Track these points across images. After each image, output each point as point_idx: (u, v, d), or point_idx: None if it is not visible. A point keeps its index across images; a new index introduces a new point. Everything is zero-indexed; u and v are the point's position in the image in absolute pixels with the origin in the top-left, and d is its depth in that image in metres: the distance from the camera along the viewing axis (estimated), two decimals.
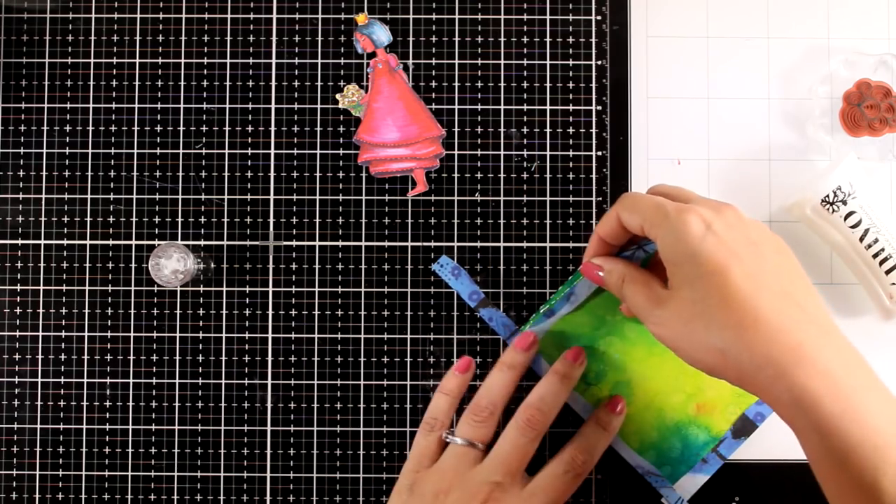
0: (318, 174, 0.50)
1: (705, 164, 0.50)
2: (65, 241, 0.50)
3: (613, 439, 0.47)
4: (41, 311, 0.49)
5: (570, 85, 0.50)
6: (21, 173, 0.50)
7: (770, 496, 0.49)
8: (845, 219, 0.46)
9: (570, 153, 0.50)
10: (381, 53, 0.50)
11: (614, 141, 0.50)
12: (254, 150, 0.50)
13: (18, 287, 0.49)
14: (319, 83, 0.50)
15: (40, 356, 0.49)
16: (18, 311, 0.49)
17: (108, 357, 0.49)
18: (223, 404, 0.49)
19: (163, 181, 0.50)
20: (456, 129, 0.50)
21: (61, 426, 0.49)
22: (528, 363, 0.47)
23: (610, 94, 0.50)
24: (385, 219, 0.50)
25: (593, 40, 0.50)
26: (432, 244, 0.50)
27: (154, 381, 0.49)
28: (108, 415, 0.49)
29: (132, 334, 0.49)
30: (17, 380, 0.49)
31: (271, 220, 0.50)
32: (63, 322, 0.49)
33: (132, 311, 0.49)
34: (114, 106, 0.50)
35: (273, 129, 0.50)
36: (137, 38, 0.50)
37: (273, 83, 0.50)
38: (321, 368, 0.49)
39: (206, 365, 0.49)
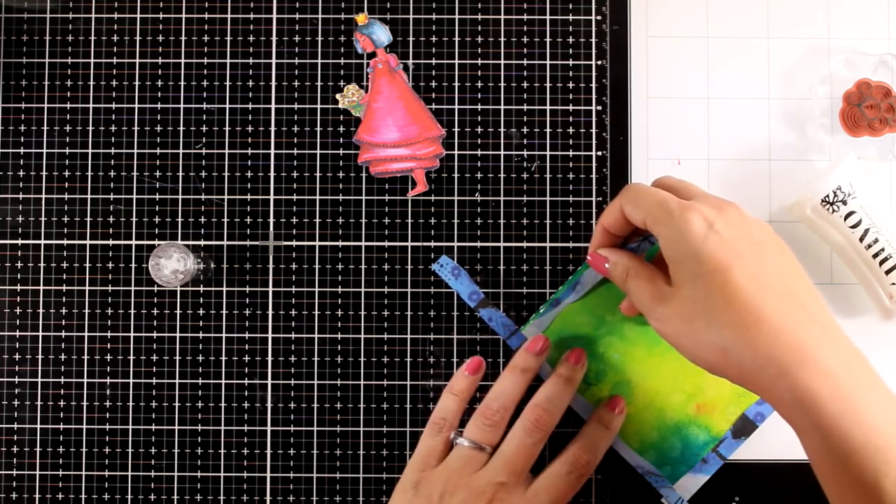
0: (318, 174, 0.50)
1: (705, 164, 0.50)
2: (65, 241, 0.50)
3: (613, 439, 0.47)
4: (41, 311, 0.49)
5: (570, 85, 0.50)
6: (21, 173, 0.50)
7: (770, 496, 0.49)
8: (845, 219, 0.46)
9: (570, 153, 0.50)
10: (381, 53, 0.50)
11: (614, 141, 0.50)
12: (254, 150, 0.50)
13: (18, 287, 0.49)
14: (319, 83, 0.50)
15: (40, 356, 0.49)
16: (18, 311, 0.49)
17: (108, 357, 0.49)
18: (223, 404, 0.49)
19: (163, 181, 0.50)
20: (456, 129, 0.50)
21: (61, 426, 0.49)
22: (539, 367, 0.47)
23: (610, 94, 0.50)
24: (385, 219, 0.50)
25: (593, 40, 0.50)
26: (432, 244, 0.50)
27: (154, 381, 0.49)
28: (108, 415, 0.49)
29: (132, 334, 0.49)
30: (17, 380, 0.49)
31: (271, 220, 0.50)
32: (63, 322, 0.49)
33: (132, 311, 0.49)
34: (114, 106, 0.50)
35: (273, 129, 0.50)
36: (137, 38, 0.50)
37: (273, 83, 0.50)
38: (321, 368, 0.49)
39: (206, 365, 0.49)
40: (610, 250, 0.43)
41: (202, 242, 0.50)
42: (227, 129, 0.50)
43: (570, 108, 0.50)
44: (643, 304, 0.40)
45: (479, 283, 0.49)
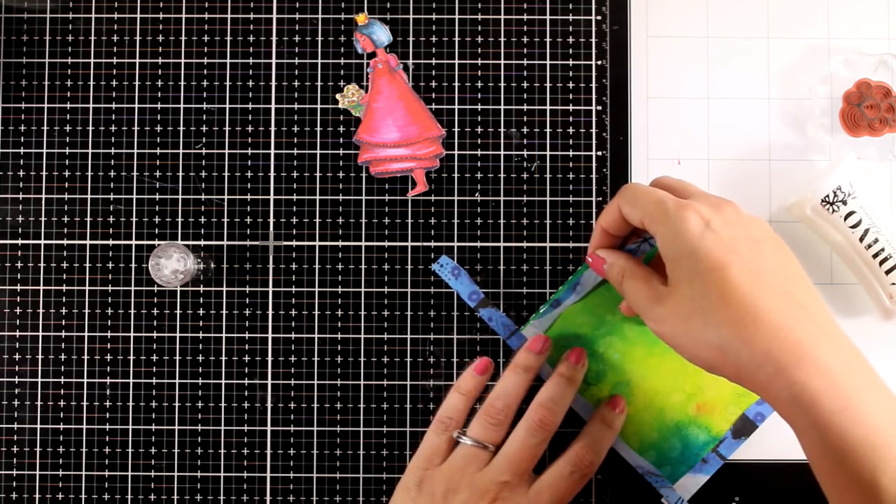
0: (318, 174, 0.50)
1: (705, 164, 0.50)
2: (65, 241, 0.50)
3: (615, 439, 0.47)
4: (41, 311, 0.49)
5: (570, 85, 0.50)
6: (21, 173, 0.50)
7: (770, 496, 0.49)
8: (845, 219, 0.46)
9: (570, 153, 0.50)
10: (381, 53, 0.50)
11: (614, 141, 0.50)
12: (254, 150, 0.50)
13: (18, 287, 0.49)
14: (319, 83, 0.50)
15: (40, 356, 0.49)
16: (18, 311, 0.49)
17: (108, 357, 0.49)
18: (223, 404, 0.49)
19: (163, 181, 0.50)
20: (456, 129, 0.50)
21: (61, 426, 0.49)
22: (540, 366, 0.47)
23: (610, 94, 0.50)
24: (385, 219, 0.50)
25: (593, 40, 0.50)
26: (432, 244, 0.50)
27: (154, 381, 0.49)
28: (108, 415, 0.49)
29: (132, 334, 0.49)
30: (17, 380, 0.49)
31: (271, 220, 0.50)
32: (63, 322, 0.49)
33: (132, 311, 0.49)
34: (114, 106, 0.50)
35: (273, 129, 0.50)
36: (137, 38, 0.50)
37: (273, 83, 0.50)
38: (321, 368, 0.49)
39: (206, 365, 0.49)
40: (607, 251, 0.43)
41: (202, 242, 0.50)
42: (227, 129, 0.50)
43: (570, 108, 0.50)
44: (639, 305, 0.40)
45: (479, 283, 0.49)
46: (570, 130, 0.50)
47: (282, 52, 0.50)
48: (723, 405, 0.48)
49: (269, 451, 0.49)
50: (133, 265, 0.50)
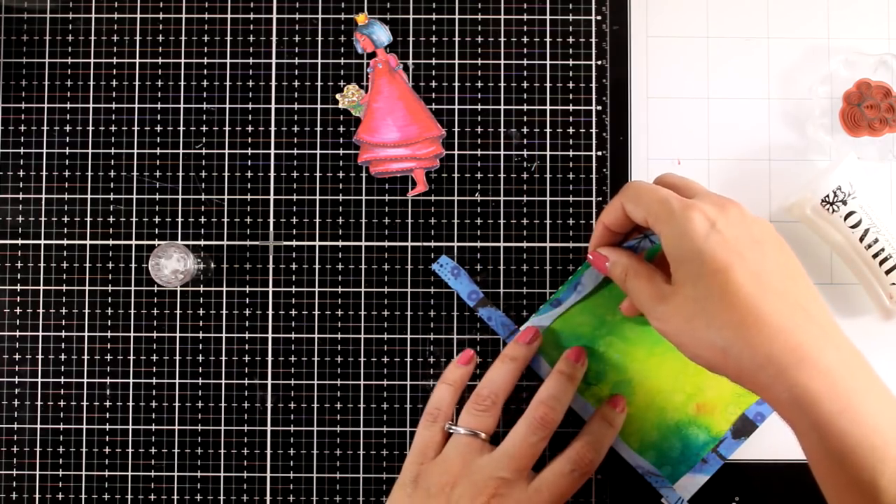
0: (318, 174, 0.50)
1: (705, 164, 0.50)
2: (65, 241, 0.50)
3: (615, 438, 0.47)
4: (41, 311, 0.49)
5: (570, 85, 0.50)
6: (21, 173, 0.50)
7: (770, 496, 0.49)
8: (845, 219, 0.46)
9: (570, 153, 0.50)
10: (381, 53, 0.50)
11: (614, 141, 0.50)
12: (254, 150, 0.50)
13: (18, 287, 0.49)
14: (319, 83, 0.50)
15: (40, 356, 0.49)
16: (18, 311, 0.49)
17: (108, 357, 0.49)
18: (223, 404, 0.49)
19: (163, 181, 0.50)
20: (456, 129, 0.50)
21: (61, 426, 0.49)
22: (529, 357, 0.47)
23: (610, 94, 0.50)
24: (385, 219, 0.50)
25: (593, 40, 0.50)
26: (432, 244, 0.50)
27: (154, 381, 0.49)
28: (108, 415, 0.49)
29: (132, 334, 0.49)
30: (17, 380, 0.49)
31: (271, 220, 0.50)
32: (63, 322, 0.49)
33: (132, 311, 0.49)
34: (114, 106, 0.50)
35: (273, 129, 0.50)
36: (137, 38, 0.50)
37: (273, 83, 0.50)
38: (321, 368, 0.49)
39: (206, 365, 0.49)
40: (610, 249, 0.43)
41: (202, 242, 0.50)
42: (227, 129, 0.50)
43: (570, 108, 0.50)
44: (643, 303, 0.40)
45: (479, 282, 0.49)
46: (570, 130, 0.50)
47: (282, 52, 0.50)
48: (723, 405, 0.48)
49: (269, 451, 0.49)
50: (133, 265, 0.50)
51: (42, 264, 0.49)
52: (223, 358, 0.49)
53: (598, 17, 0.50)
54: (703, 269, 0.36)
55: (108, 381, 0.49)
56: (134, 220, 0.50)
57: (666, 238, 0.38)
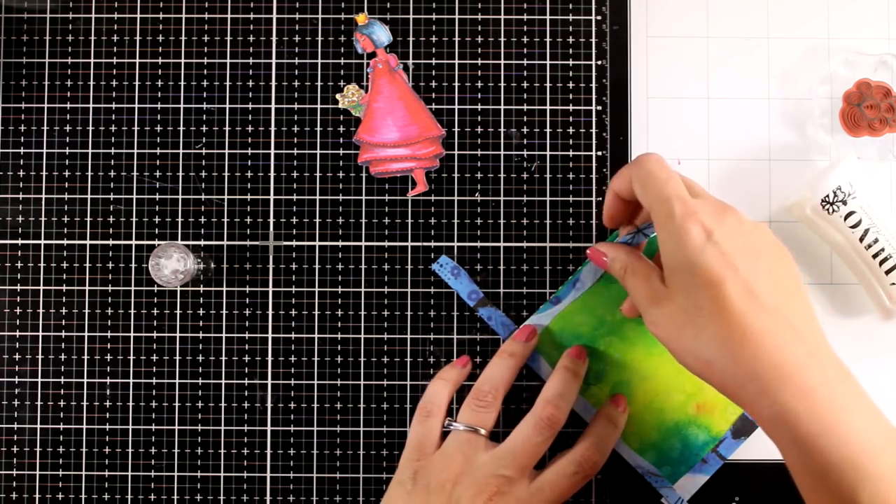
0: (318, 174, 0.50)
1: (705, 164, 0.50)
2: (65, 241, 0.50)
3: None
4: (41, 311, 0.49)
5: (570, 85, 0.50)
6: (21, 173, 0.50)
7: (770, 496, 0.49)
8: (845, 219, 0.46)
9: (570, 153, 0.50)
10: (381, 53, 0.50)
11: (614, 141, 0.50)
12: (254, 150, 0.50)
13: (18, 287, 0.49)
14: (319, 83, 0.50)
15: (40, 356, 0.49)
16: (18, 311, 0.49)
17: (108, 357, 0.49)
18: (223, 404, 0.49)
19: (163, 181, 0.50)
20: (456, 129, 0.50)
21: (61, 426, 0.49)
22: (527, 354, 0.47)
23: (610, 94, 0.50)
24: (385, 219, 0.50)
25: (593, 40, 0.50)
26: (432, 244, 0.50)
27: (154, 381, 0.49)
28: (108, 415, 0.49)
29: (132, 334, 0.49)
30: (17, 380, 0.49)
31: (271, 220, 0.50)
32: (63, 322, 0.49)
33: (132, 311, 0.49)
34: (114, 106, 0.50)
35: (273, 129, 0.50)
36: (137, 38, 0.50)
37: (273, 83, 0.50)
38: (321, 368, 0.49)
39: (206, 365, 0.49)
40: (608, 245, 0.43)
41: (202, 242, 0.50)
42: (227, 129, 0.50)
43: (570, 108, 0.50)
44: (639, 303, 0.40)
45: (479, 282, 0.49)
46: (570, 130, 0.50)
47: (282, 52, 0.50)
48: (722, 405, 0.48)
49: (269, 451, 0.49)
50: (133, 265, 0.50)
51: (42, 264, 0.49)
52: (223, 358, 0.49)
53: (598, 17, 0.50)
54: (696, 280, 0.36)
55: (108, 381, 0.49)
56: (134, 220, 0.50)
57: (662, 242, 0.38)
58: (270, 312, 0.49)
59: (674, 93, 0.50)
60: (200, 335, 0.49)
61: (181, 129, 0.50)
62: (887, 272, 0.47)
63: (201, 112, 0.50)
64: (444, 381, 0.46)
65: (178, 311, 0.49)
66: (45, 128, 0.50)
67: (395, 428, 0.49)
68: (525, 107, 0.50)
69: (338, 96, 0.50)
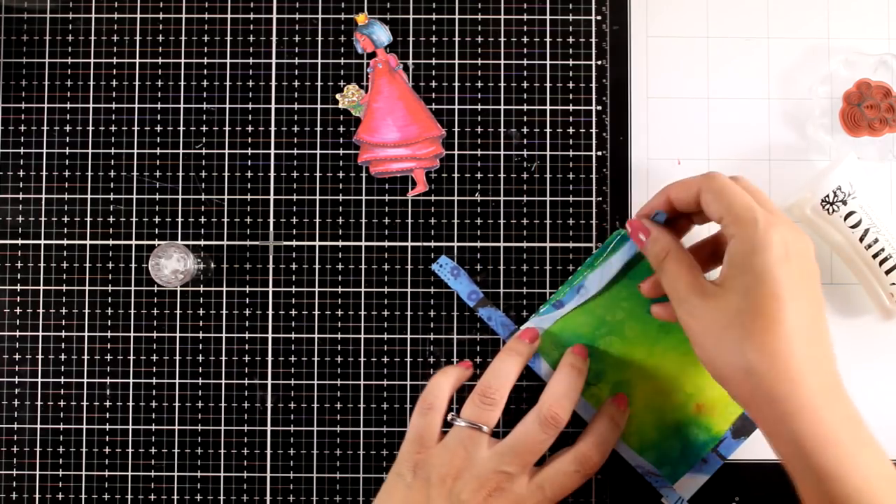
0: (318, 174, 0.50)
1: (705, 164, 0.50)
2: (65, 241, 0.50)
3: None
4: (41, 311, 0.49)
5: (570, 85, 0.50)
6: (21, 173, 0.50)
7: (770, 496, 0.49)
8: (845, 219, 0.46)
9: (570, 153, 0.50)
10: (381, 53, 0.50)
11: (614, 141, 0.50)
12: (254, 150, 0.50)
13: (18, 287, 0.49)
14: (319, 83, 0.50)
15: (40, 356, 0.49)
16: (18, 311, 0.49)
17: (108, 357, 0.49)
18: (223, 404, 0.49)
19: (163, 181, 0.50)
20: (456, 129, 0.50)
21: (61, 426, 0.49)
22: (530, 355, 0.47)
23: (610, 94, 0.50)
24: (385, 219, 0.50)
25: (593, 40, 0.50)
26: (432, 244, 0.50)
27: (154, 381, 0.49)
28: (108, 415, 0.49)
29: (132, 334, 0.49)
30: (17, 380, 0.49)
31: (271, 220, 0.50)
32: (63, 322, 0.49)
33: (132, 311, 0.49)
34: (114, 106, 0.50)
35: (273, 129, 0.50)
36: (137, 38, 0.50)
37: (273, 83, 0.50)
38: (321, 368, 0.49)
39: (206, 365, 0.49)
40: (654, 225, 0.43)
41: (202, 242, 0.50)
42: (227, 129, 0.50)
43: (570, 108, 0.50)
44: (678, 289, 0.40)
45: (479, 283, 0.49)
46: (570, 130, 0.50)
47: (282, 52, 0.50)
48: (723, 405, 0.48)
49: (269, 451, 0.49)
50: (133, 265, 0.50)
51: (42, 264, 0.49)
52: (223, 358, 0.49)
53: (598, 17, 0.50)
54: (763, 289, 0.37)
55: (108, 381, 0.49)
56: (134, 220, 0.50)
57: (738, 243, 0.38)
58: (270, 312, 0.49)
59: (674, 93, 0.50)
60: (200, 335, 0.49)
61: (181, 129, 0.50)
62: (887, 272, 0.47)
63: (201, 112, 0.50)
64: (447, 377, 0.46)
65: (178, 311, 0.49)
66: (45, 128, 0.50)
67: (395, 428, 0.49)
68: (525, 107, 0.50)
69: (338, 96, 0.50)
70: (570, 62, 0.50)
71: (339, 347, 0.49)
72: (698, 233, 0.46)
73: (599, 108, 0.50)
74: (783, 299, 0.36)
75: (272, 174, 0.50)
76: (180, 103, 0.50)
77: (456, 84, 0.50)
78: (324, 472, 0.49)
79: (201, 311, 0.49)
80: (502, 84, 0.50)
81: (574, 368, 0.45)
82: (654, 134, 0.50)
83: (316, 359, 0.49)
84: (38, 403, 0.49)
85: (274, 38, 0.50)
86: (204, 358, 0.49)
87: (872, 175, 0.50)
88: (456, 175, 0.50)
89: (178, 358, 0.49)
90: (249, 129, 0.50)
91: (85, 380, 0.49)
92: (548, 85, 0.50)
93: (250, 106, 0.50)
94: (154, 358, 0.49)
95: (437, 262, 0.49)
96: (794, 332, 0.37)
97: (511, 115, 0.50)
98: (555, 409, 0.43)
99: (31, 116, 0.50)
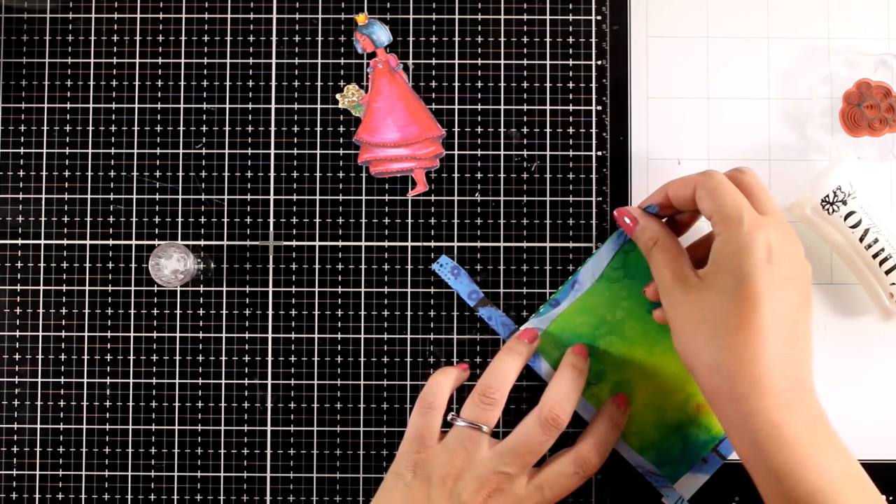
0: (318, 174, 0.50)
1: (705, 164, 0.50)
2: (65, 241, 0.50)
3: None
4: (41, 311, 0.49)
5: (570, 85, 0.50)
6: (21, 173, 0.50)
7: None
8: (845, 219, 0.46)
9: (570, 153, 0.50)
10: (381, 53, 0.50)
11: (614, 141, 0.50)
12: (254, 150, 0.50)
13: (18, 287, 0.49)
14: (319, 83, 0.50)
15: (40, 356, 0.49)
16: (18, 311, 0.49)
17: (108, 357, 0.49)
18: (223, 404, 0.49)
19: (163, 181, 0.50)
20: (456, 129, 0.50)
21: (61, 426, 0.49)
22: (530, 356, 0.47)
23: (610, 94, 0.50)
24: (385, 219, 0.50)
25: (593, 40, 0.50)
26: (432, 244, 0.50)
27: (154, 381, 0.49)
28: (108, 415, 0.49)
29: (132, 334, 0.49)
30: (17, 380, 0.49)
31: (271, 220, 0.50)
32: (63, 322, 0.49)
33: (132, 311, 0.49)
34: (114, 106, 0.50)
35: (273, 129, 0.50)
36: (137, 38, 0.50)
37: (273, 83, 0.50)
38: (321, 368, 0.49)
39: (206, 365, 0.49)
40: (641, 213, 0.44)
41: (202, 242, 0.50)
42: (227, 129, 0.50)
43: (570, 108, 0.50)
44: (663, 279, 0.41)
45: (479, 282, 0.49)
46: (570, 130, 0.50)
47: (282, 52, 0.50)
48: None
49: (269, 451, 0.49)
50: (133, 265, 0.50)
51: (42, 264, 0.49)
52: (223, 358, 0.49)
53: (598, 17, 0.50)
54: (740, 290, 0.37)
55: (108, 381, 0.49)
56: (134, 220, 0.50)
57: (722, 242, 0.39)
58: (270, 312, 0.49)
59: (674, 93, 0.50)
60: (200, 335, 0.49)
61: (181, 129, 0.50)
62: (887, 272, 0.47)
63: (201, 112, 0.50)
64: (447, 376, 0.46)
65: (178, 311, 0.49)
66: (45, 128, 0.50)
67: (395, 428, 0.49)
68: (525, 107, 0.50)
69: (338, 96, 0.50)
70: (570, 62, 0.50)
71: (339, 347, 0.49)
72: (700, 229, 0.47)
73: (599, 108, 0.50)
74: (759, 302, 0.37)
75: (272, 174, 0.50)
76: (180, 103, 0.50)
77: (456, 84, 0.50)
78: (324, 472, 0.49)
79: (201, 311, 0.49)
80: (502, 84, 0.50)
81: (575, 369, 0.45)
82: (654, 134, 0.50)
83: (316, 359, 0.49)
84: (38, 403, 0.49)
85: (274, 38, 0.50)
86: (204, 358, 0.49)
87: (872, 175, 0.50)
88: (456, 175, 0.50)
89: (178, 358, 0.49)
90: (249, 129, 0.50)
91: (85, 380, 0.49)
92: (548, 85, 0.50)
93: (250, 106, 0.50)
94: (154, 358, 0.49)
95: (438, 262, 0.49)
96: (767, 334, 0.37)
97: (511, 115, 0.50)
98: (556, 411, 0.43)
99: (31, 116, 0.50)
